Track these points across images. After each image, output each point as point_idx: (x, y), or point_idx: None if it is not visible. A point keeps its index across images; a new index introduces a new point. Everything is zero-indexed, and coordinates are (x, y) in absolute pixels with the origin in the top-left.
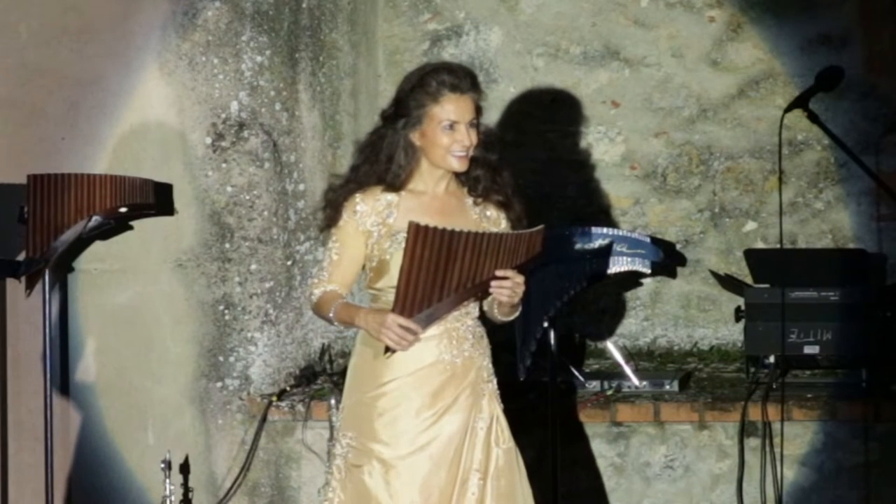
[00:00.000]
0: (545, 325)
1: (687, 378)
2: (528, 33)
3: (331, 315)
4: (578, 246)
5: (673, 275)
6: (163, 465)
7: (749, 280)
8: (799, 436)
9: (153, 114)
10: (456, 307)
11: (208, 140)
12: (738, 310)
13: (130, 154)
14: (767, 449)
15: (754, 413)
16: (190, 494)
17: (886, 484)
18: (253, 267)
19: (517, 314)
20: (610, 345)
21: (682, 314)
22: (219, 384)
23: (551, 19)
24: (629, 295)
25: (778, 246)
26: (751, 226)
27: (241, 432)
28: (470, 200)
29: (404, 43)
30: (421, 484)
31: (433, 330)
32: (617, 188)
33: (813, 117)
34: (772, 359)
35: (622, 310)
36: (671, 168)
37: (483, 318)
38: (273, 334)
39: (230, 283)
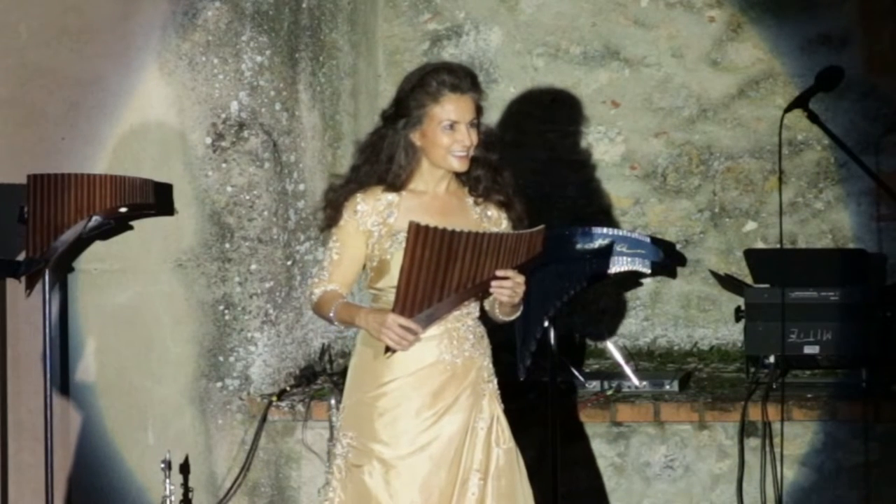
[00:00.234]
0: (545, 325)
1: (687, 378)
2: (528, 33)
3: (331, 315)
4: (578, 246)
5: (673, 275)
6: (163, 465)
7: (749, 280)
8: (799, 436)
9: (153, 114)
10: (456, 307)
11: (208, 140)
12: (738, 310)
13: (130, 154)
14: (767, 449)
15: (754, 413)
16: (190, 494)
17: (886, 484)
18: (253, 267)
19: (518, 314)
20: (610, 345)
21: (682, 314)
22: (219, 384)
23: (551, 19)
24: (629, 295)
25: (778, 246)
26: (751, 226)
27: (241, 432)
28: (471, 200)
29: (404, 43)
30: (421, 484)
31: (434, 330)
32: (617, 188)
33: (813, 117)
34: (772, 359)
35: (622, 310)
36: (671, 168)
37: (484, 317)
38: (273, 334)
39: (230, 283)
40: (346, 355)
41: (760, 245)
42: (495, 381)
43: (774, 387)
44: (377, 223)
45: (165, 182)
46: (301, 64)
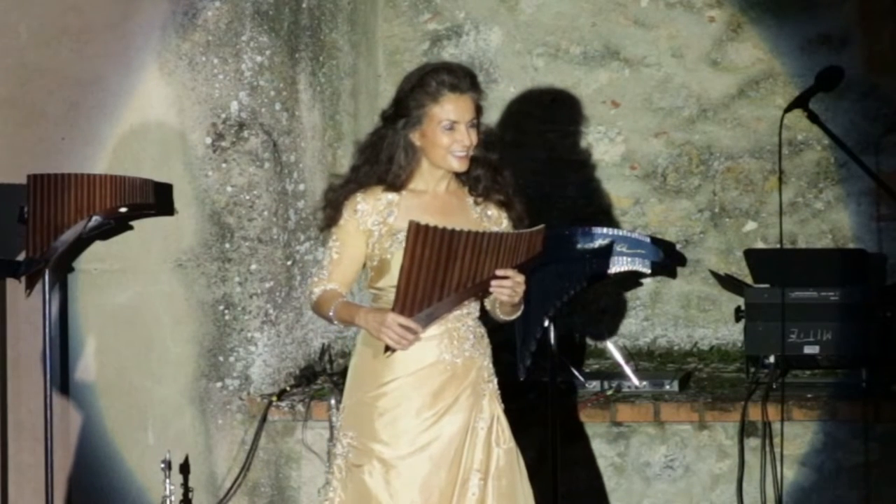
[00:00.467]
0: (545, 325)
1: (687, 378)
2: (528, 33)
3: (331, 314)
4: (578, 246)
5: (673, 275)
6: (163, 465)
7: (749, 280)
8: (799, 436)
9: (153, 114)
10: (456, 306)
11: (208, 140)
12: (738, 310)
13: (130, 154)
14: (767, 449)
15: (754, 413)
16: (190, 494)
17: (886, 484)
18: (253, 267)
19: (519, 313)
20: (610, 345)
21: (682, 314)
22: (219, 384)
23: (551, 19)
24: (629, 295)
25: (778, 246)
26: (751, 226)
27: (241, 432)
28: (471, 200)
29: (404, 43)
30: (421, 484)
31: (434, 330)
32: (617, 188)
33: (813, 117)
34: (772, 359)
35: (622, 310)
36: (671, 168)
37: (484, 317)
38: (273, 334)
39: (230, 283)
40: (346, 355)
41: (760, 245)
42: (495, 381)
43: (774, 387)
44: (377, 222)
45: (165, 182)
46: (301, 64)
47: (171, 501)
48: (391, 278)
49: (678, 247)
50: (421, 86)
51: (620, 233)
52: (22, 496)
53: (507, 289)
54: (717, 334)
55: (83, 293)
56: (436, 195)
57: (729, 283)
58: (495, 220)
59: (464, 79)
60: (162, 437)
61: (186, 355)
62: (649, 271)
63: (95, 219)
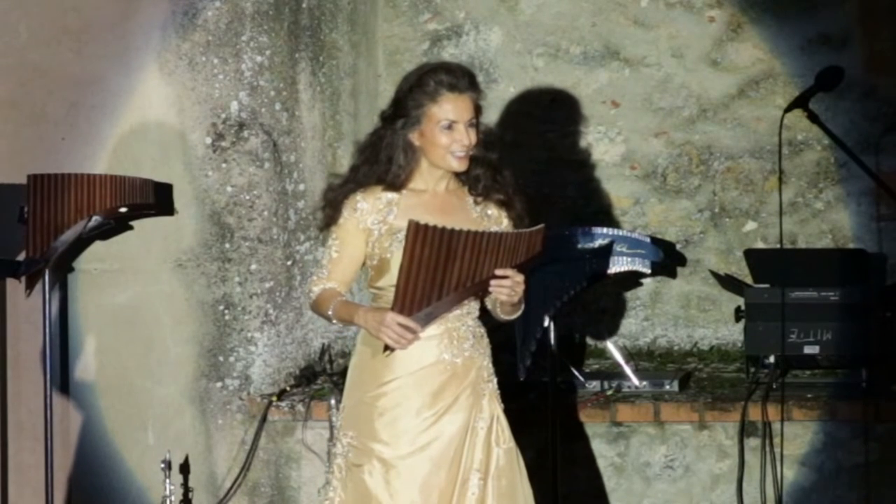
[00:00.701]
0: (545, 325)
1: (687, 378)
2: (528, 33)
3: (329, 313)
4: (578, 246)
5: (673, 275)
6: (163, 465)
7: (749, 280)
8: (799, 436)
9: (153, 114)
10: (455, 306)
11: (208, 140)
12: (738, 310)
13: (130, 154)
14: (767, 449)
15: (754, 413)
16: (190, 494)
17: (886, 484)
18: (253, 267)
19: (519, 313)
20: (610, 345)
21: (682, 314)
22: (219, 384)
23: (551, 19)
24: (629, 295)
25: (778, 246)
26: (751, 226)
27: (241, 432)
28: (471, 199)
29: (404, 43)
30: (421, 484)
31: (434, 330)
32: (617, 188)
33: (813, 117)
34: (772, 359)
35: (622, 310)
36: (671, 168)
37: (484, 317)
38: (273, 334)
39: (230, 283)
40: (346, 355)
41: (760, 245)
42: (495, 381)
43: (774, 387)
44: (377, 221)
45: (165, 182)
46: (301, 64)
47: (171, 501)
48: (391, 277)
49: (678, 247)
50: (419, 86)
51: (620, 233)
52: (22, 496)
53: (507, 288)
54: (717, 334)
55: (83, 293)
56: (436, 194)
57: (729, 283)
58: (495, 219)
59: (462, 78)
60: (162, 437)
61: (186, 355)
62: (649, 271)
63: (95, 219)
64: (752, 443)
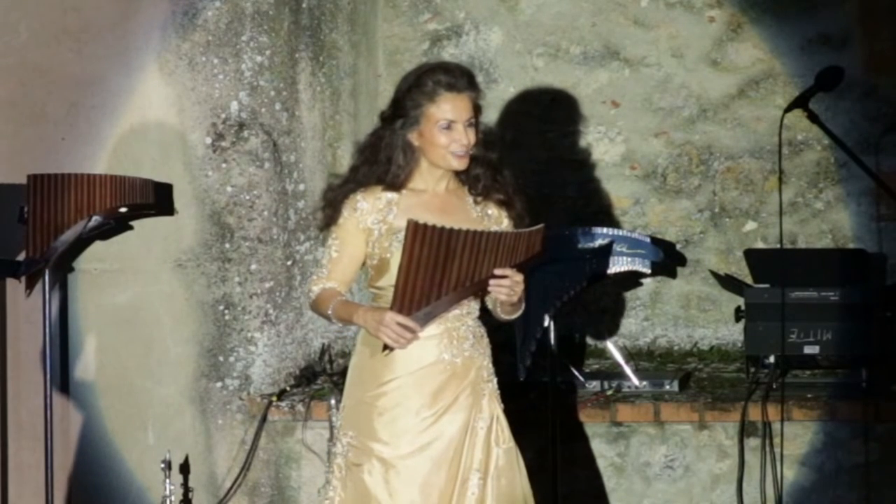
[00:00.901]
0: (545, 325)
1: (687, 378)
2: (528, 33)
3: (329, 312)
4: (578, 246)
5: (673, 275)
6: (163, 465)
7: (749, 280)
8: (799, 436)
9: (153, 114)
10: (455, 305)
11: (208, 140)
12: (738, 310)
13: (130, 154)
14: (767, 449)
15: (754, 413)
16: (190, 494)
17: (886, 484)
18: (253, 267)
19: (520, 312)
20: (610, 345)
21: (682, 314)
22: (219, 384)
23: (551, 19)
24: (629, 295)
25: (778, 246)
26: (751, 226)
27: (241, 432)
28: (471, 199)
29: (404, 43)
30: (421, 483)
31: (433, 329)
32: (617, 188)
33: (813, 117)
34: (772, 359)
35: (622, 310)
36: (671, 168)
37: (485, 316)
38: (273, 334)
39: (230, 283)
40: (346, 355)
41: (760, 245)
42: (495, 381)
43: (774, 387)
44: (377, 221)
45: (165, 182)
46: (301, 64)
47: (171, 501)
48: (391, 277)
49: (678, 247)
50: (417, 86)
51: (620, 233)
52: (22, 496)
53: (506, 288)
54: (717, 334)
55: (83, 293)
56: (436, 194)
57: (729, 283)
58: (495, 219)
59: (460, 78)
60: (162, 437)
61: (186, 355)
62: (649, 271)
63: (95, 219)
64: (752, 443)
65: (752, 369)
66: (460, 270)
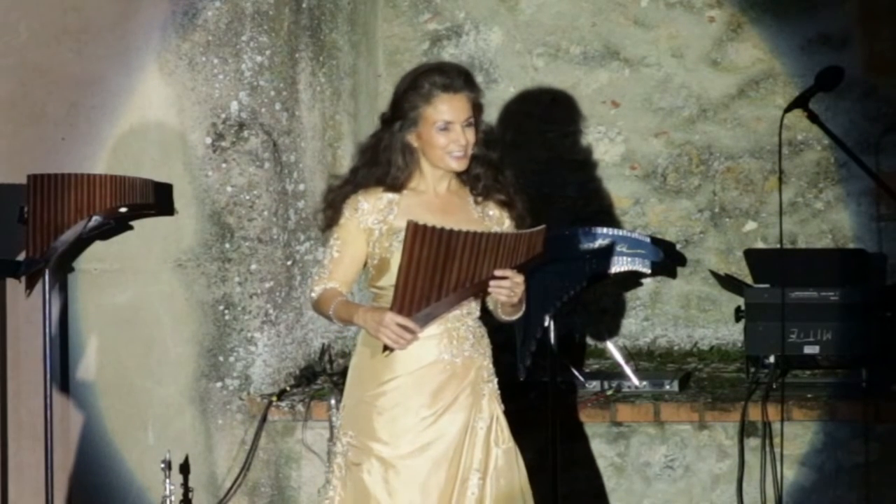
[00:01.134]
0: (545, 325)
1: (687, 378)
2: (528, 33)
3: (330, 313)
4: (579, 246)
5: (673, 275)
6: (163, 465)
7: (749, 280)
8: (799, 436)
9: (153, 114)
10: (455, 306)
11: (208, 140)
12: (738, 310)
13: (130, 154)
14: (767, 449)
15: (754, 413)
16: (190, 494)
17: (886, 484)
18: (253, 267)
19: (521, 313)
20: (610, 345)
21: (682, 314)
22: (219, 384)
23: (551, 19)
24: (629, 295)
25: (778, 246)
26: (751, 226)
27: (241, 432)
28: (472, 199)
29: (404, 43)
30: (420, 483)
31: (434, 329)
32: (617, 188)
33: (813, 117)
34: (772, 359)
35: (622, 310)
36: (671, 168)
37: (486, 317)
38: (273, 334)
39: (230, 283)
40: (346, 355)
41: (760, 245)
42: (495, 381)
43: (774, 387)
44: (378, 221)
45: (165, 182)
46: (301, 64)
47: (171, 501)
48: (391, 277)
49: (678, 247)
50: (413, 88)
51: (620, 233)
52: (22, 496)
53: (506, 289)
54: (717, 334)
55: (83, 293)
56: (437, 194)
57: (729, 283)
58: (497, 219)
59: (457, 78)
60: (162, 437)
61: (186, 355)
62: (649, 271)
63: (95, 219)
64: (752, 443)
65: (752, 369)
66: (460, 271)
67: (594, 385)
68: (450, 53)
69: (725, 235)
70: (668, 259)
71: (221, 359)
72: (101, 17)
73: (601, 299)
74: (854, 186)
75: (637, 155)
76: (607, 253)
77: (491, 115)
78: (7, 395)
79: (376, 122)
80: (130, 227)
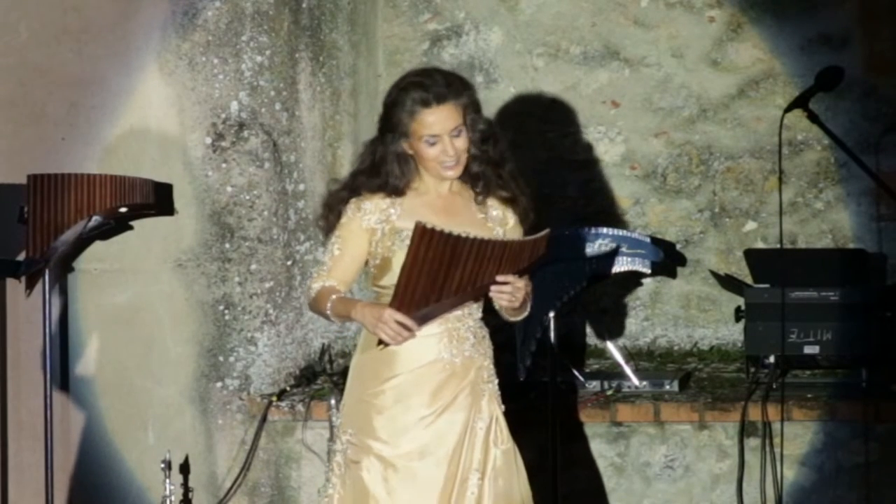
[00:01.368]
0: (545, 325)
1: (687, 378)
2: (528, 33)
3: (328, 310)
4: (579, 246)
5: (673, 275)
6: (163, 465)
7: (749, 280)
8: (799, 436)
9: (153, 114)
10: (454, 308)
11: (208, 140)
12: (738, 310)
13: (130, 154)
14: (767, 449)
15: (754, 413)
16: (190, 494)
17: (886, 484)
18: (253, 267)
19: (525, 314)
20: (610, 345)
21: (682, 314)
22: (219, 384)
23: (551, 19)
24: (629, 295)
25: (778, 246)
26: (751, 226)
27: (241, 432)
28: (474, 198)
29: (404, 43)
30: (419, 483)
31: (434, 328)
32: (617, 188)
33: (813, 117)
34: (772, 359)
35: (622, 310)
36: (671, 168)
37: (488, 317)
38: (273, 334)
39: (230, 283)
40: (346, 355)
41: (760, 245)
42: (496, 382)
43: (774, 387)
44: (381, 221)
45: (165, 182)
46: (301, 64)
47: (171, 501)
48: (393, 276)
49: (678, 247)
50: (396, 104)
51: (620, 233)
52: (22, 496)
53: (507, 294)
54: (717, 334)
55: (83, 293)
56: (439, 195)
57: (729, 283)
58: (500, 220)
59: (439, 89)
60: (162, 437)
61: (186, 355)
62: (649, 271)
63: (95, 219)
64: (752, 443)
65: (752, 369)
66: (463, 275)
67: (594, 385)
68: (450, 53)
69: (725, 235)
70: (668, 259)
71: (221, 359)
72: (101, 17)
73: (601, 299)
74: (854, 186)
75: (637, 155)
76: (608, 253)
77: (491, 116)
78: (7, 395)
79: (376, 122)
80: (130, 227)
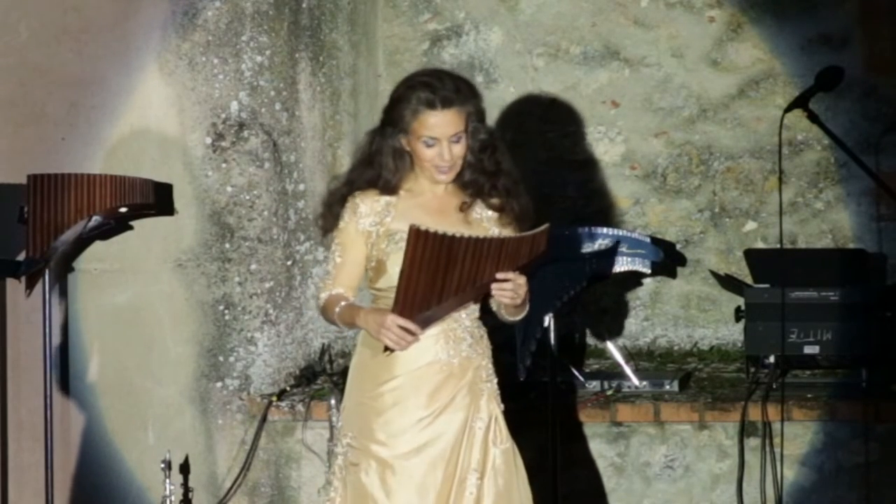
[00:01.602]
0: (545, 325)
1: (687, 378)
2: (528, 33)
3: (335, 318)
4: (578, 246)
5: (673, 275)
6: (163, 465)
7: (749, 280)
8: (799, 436)
9: (153, 114)
10: (456, 309)
11: (208, 140)
12: (738, 310)
13: (130, 154)
14: (767, 449)
15: (754, 413)
16: (190, 494)
17: (886, 484)
18: (253, 267)
19: (524, 314)
20: (610, 345)
21: (682, 314)
22: (219, 384)
23: (551, 19)
24: (629, 295)
25: (778, 246)
26: (751, 226)
27: (241, 432)
28: (467, 202)
29: (404, 43)
30: (418, 483)
31: (431, 330)
32: (617, 188)
33: (813, 117)
34: (772, 359)
35: (622, 310)
36: (671, 168)
37: (487, 317)
38: (273, 334)
39: (230, 283)
40: (346, 355)
41: (760, 245)
42: (495, 381)
43: (774, 387)
44: (375, 223)
45: (165, 182)
46: (301, 64)
47: (171, 501)
48: (388, 279)
49: (678, 247)
50: (402, 100)
51: (620, 233)
52: (22, 496)
53: (509, 291)
54: (717, 334)
55: (83, 293)
56: (434, 196)
57: (729, 283)
58: (494, 220)
59: (446, 93)
60: (162, 437)
61: (186, 355)
62: (649, 271)
63: (95, 219)
64: (752, 443)
65: (752, 369)
66: (462, 275)
67: (594, 385)
68: (450, 53)
69: (725, 235)
70: (668, 259)
71: (221, 359)
72: (101, 17)
73: (601, 299)
74: (854, 186)
75: (637, 155)
76: (607, 253)
77: (491, 115)
78: (7, 395)
79: (376, 122)
80: (130, 227)
